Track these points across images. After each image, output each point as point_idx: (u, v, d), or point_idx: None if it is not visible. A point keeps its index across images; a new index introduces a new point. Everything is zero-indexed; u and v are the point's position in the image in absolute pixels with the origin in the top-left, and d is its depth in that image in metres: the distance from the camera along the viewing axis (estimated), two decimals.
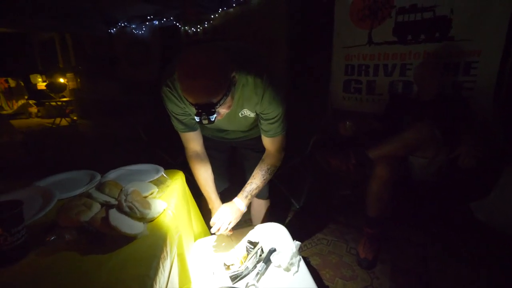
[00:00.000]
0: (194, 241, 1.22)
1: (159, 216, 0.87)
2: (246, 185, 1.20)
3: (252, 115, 1.12)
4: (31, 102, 6.22)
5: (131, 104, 3.81)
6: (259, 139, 1.40)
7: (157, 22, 3.95)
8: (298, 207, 2.21)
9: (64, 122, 5.40)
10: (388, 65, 2.36)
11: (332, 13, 2.53)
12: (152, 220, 0.85)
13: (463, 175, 1.58)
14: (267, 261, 1.07)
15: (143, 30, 4.17)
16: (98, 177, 1.08)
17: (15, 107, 6.54)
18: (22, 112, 6.56)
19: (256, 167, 1.23)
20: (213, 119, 0.83)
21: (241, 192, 1.19)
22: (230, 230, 1.16)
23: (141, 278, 0.63)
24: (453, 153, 1.51)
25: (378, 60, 2.40)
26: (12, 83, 6.37)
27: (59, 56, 6.24)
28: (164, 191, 1.03)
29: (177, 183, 1.13)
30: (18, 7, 3.62)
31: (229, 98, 0.87)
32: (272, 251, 1.10)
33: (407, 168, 1.73)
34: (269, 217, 1.57)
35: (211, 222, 1.13)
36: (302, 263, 1.08)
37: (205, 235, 1.32)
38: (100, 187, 0.91)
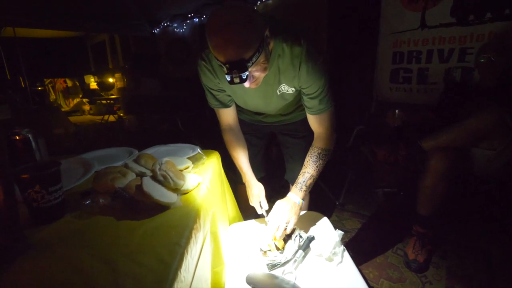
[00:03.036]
0: (229, 225, 1.16)
1: (193, 189, 0.83)
2: (298, 176, 1.08)
3: (291, 90, 1.03)
4: (84, 100, 6.82)
5: (171, 99, 3.95)
6: (299, 123, 1.30)
7: (197, 20, 4.06)
8: (337, 203, 2.06)
9: (112, 118, 5.81)
10: (444, 50, 2.11)
11: None
12: (186, 192, 0.81)
13: None
14: (306, 248, 0.98)
15: (184, 29, 4.32)
16: (136, 152, 1.08)
17: (71, 105, 7.23)
18: (77, 110, 7.23)
19: (307, 155, 1.10)
20: (245, 77, 0.75)
21: (294, 186, 1.07)
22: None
23: (172, 246, 0.58)
24: None
25: (432, 45, 2.15)
26: (70, 83, 7.05)
27: (109, 57, 6.76)
28: (199, 167, 0.99)
29: (213, 161, 1.09)
30: (76, 12, 3.98)
31: (262, 58, 0.79)
32: (311, 238, 1.00)
33: (468, 162, 1.50)
34: None
35: (266, 219, 1.03)
36: (347, 254, 0.96)
37: (239, 221, 1.26)
38: (136, 159, 0.90)
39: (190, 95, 3.57)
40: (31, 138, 0.88)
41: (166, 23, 4.49)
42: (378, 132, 1.86)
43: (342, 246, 0.97)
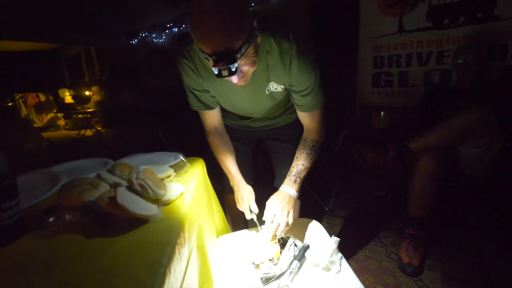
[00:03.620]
0: (217, 237, 1.07)
1: (176, 199, 0.74)
2: (291, 169, 1.02)
3: (280, 88, 0.97)
4: (59, 115, 6.50)
5: (152, 110, 3.82)
6: (286, 127, 1.25)
7: (176, 30, 4.00)
8: (327, 209, 2.01)
9: (89, 132, 5.55)
10: (423, 53, 2.16)
11: (357, 2, 2.39)
12: (167, 203, 0.72)
13: None
14: (301, 258, 0.90)
15: (163, 39, 4.24)
16: (111, 163, 0.98)
17: (45, 120, 6.86)
18: (51, 125, 6.86)
19: (298, 148, 1.05)
20: (234, 69, 0.68)
21: (287, 178, 1.00)
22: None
23: (152, 265, 0.49)
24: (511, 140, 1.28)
25: (410, 49, 2.21)
26: (42, 97, 6.72)
27: (85, 70, 6.52)
28: (182, 176, 0.91)
29: (197, 169, 1.00)
30: (51, 24, 3.81)
31: (251, 50, 0.73)
32: (306, 247, 0.93)
33: (455, 161, 1.50)
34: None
35: (264, 219, 0.93)
36: (345, 262, 0.90)
37: (228, 232, 1.17)
38: (111, 169, 0.80)
39: (171, 105, 3.47)
40: None
41: (145, 34, 4.40)
42: (365, 135, 1.85)
43: (340, 253, 0.91)
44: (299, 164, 1.01)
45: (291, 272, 0.85)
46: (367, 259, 1.50)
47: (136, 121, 3.89)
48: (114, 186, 0.74)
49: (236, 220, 1.43)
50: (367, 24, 2.39)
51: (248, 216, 1.04)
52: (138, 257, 0.52)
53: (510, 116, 1.38)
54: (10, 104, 5.40)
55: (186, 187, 0.81)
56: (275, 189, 1.36)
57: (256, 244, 0.95)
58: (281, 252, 0.90)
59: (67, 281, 0.46)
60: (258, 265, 0.89)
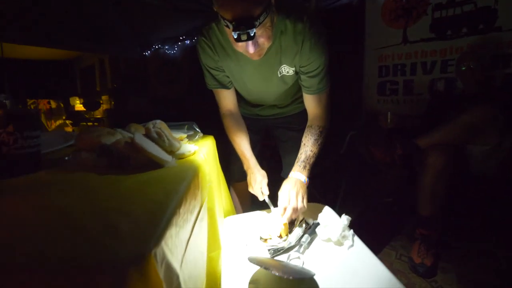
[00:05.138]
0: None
1: (189, 155, 0.75)
2: (299, 155, 1.01)
3: (291, 71, 1.02)
4: (68, 122, 6.61)
5: (160, 115, 3.88)
6: (295, 116, 1.28)
7: (188, 42, 4.17)
8: None
9: None
10: (427, 62, 2.22)
11: (362, 15, 2.50)
12: (181, 157, 0.73)
13: None
14: (312, 233, 0.89)
15: (175, 50, 4.41)
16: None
17: (53, 126, 6.96)
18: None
19: (304, 135, 1.05)
20: (252, 34, 0.72)
21: (296, 165, 1.00)
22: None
23: (168, 191, 0.49)
24: None
25: (415, 58, 2.27)
26: (53, 104, 6.86)
27: (97, 81, 6.72)
28: (195, 143, 0.92)
29: (208, 142, 1.02)
30: (69, 32, 4.01)
31: (268, 22, 0.78)
32: (316, 224, 0.92)
33: (465, 160, 1.49)
34: None
35: (279, 207, 0.92)
36: (357, 239, 0.88)
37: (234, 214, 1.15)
38: (126, 128, 0.82)
39: (179, 114, 3.53)
40: None
41: (157, 46, 4.58)
42: (373, 135, 1.86)
43: (351, 230, 0.89)
44: (307, 150, 1.01)
45: (301, 245, 0.83)
46: None
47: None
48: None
49: (244, 207, 1.43)
50: (372, 36, 2.49)
51: (261, 198, 1.04)
52: (153, 187, 0.52)
53: None
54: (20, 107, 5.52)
55: (199, 148, 0.82)
56: (282, 179, 1.37)
57: (265, 221, 0.93)
58: (290, 229, 0.89)
59: (88, 201, 0.46)
60: (266, 239, 0.87)
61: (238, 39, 0.74)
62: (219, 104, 1.14)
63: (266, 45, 0.86)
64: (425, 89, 2.24)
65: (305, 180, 0.96)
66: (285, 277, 0.62)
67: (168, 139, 0.68)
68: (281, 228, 0.88)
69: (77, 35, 4.07)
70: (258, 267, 0.73)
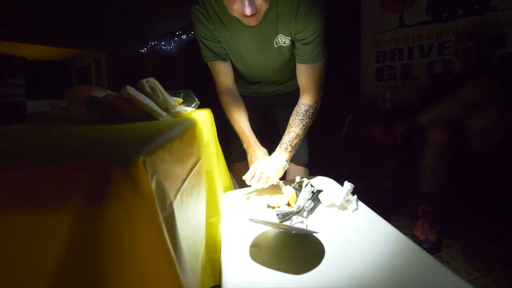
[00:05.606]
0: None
1: (185, 114, 0.72)
2: (283, 136, 1.01)
3: (288, 41, 1.00)
4: None
5: None
6: (295, 92, 1.25)
7: (185, 37, 4.14)
8: None
9: None
10: (424, 46, 2.21)
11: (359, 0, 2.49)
12: (177, 116, 0.70)
13: None
14: (315, 200, 0.86)
15: (171, 46, 4.38)
16: None
17: None
18: None
19: (292, 114, 1.04)
20: None
21: (279, 146, 0.99)
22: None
23: (160, 129, 0.46)
24: None
25: (412, 42, 2.26)
26: None
27: (93, 80, 6.68)
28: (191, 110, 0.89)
29: (206, 113, 0.98)
30: (65, 30, 3.98)
31: None
32: (319, 190, 0.89)
33: (465, 136, 1.48)
34: None
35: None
36: (362, 203, 0.85)
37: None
38: (119, 92, 0.79)
39: None
40: None
41: (154, 42, 4.55)
42: (373, 114, 1.84)
43: (355, 195, 0.87)
44: (291, 132, 0.99)
45: (304, 209, 0.81)
46: None
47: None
48: None
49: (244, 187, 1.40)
50: (368, 21, 2.47)
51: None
52: (146, 127, 0.49)
53: None
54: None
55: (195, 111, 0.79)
56: None
57: (270, 192, 0.91)
58: (297, 196, 0.86)
59: (74, 132, 0.43)
60: (273, 207, 0.85)
61: None
62: (216, 80, 1.11)
63: (264, 8, 0.84)
64: (423, 73, 2.22)
65: (283, 163, 0.94)
66: (287, 231, 0.59)
67: (162, 94, 0.65)
68: (290, 195, 0.85)
69: (76, 35, 4.05)
70: (259, 232, 0.71)
